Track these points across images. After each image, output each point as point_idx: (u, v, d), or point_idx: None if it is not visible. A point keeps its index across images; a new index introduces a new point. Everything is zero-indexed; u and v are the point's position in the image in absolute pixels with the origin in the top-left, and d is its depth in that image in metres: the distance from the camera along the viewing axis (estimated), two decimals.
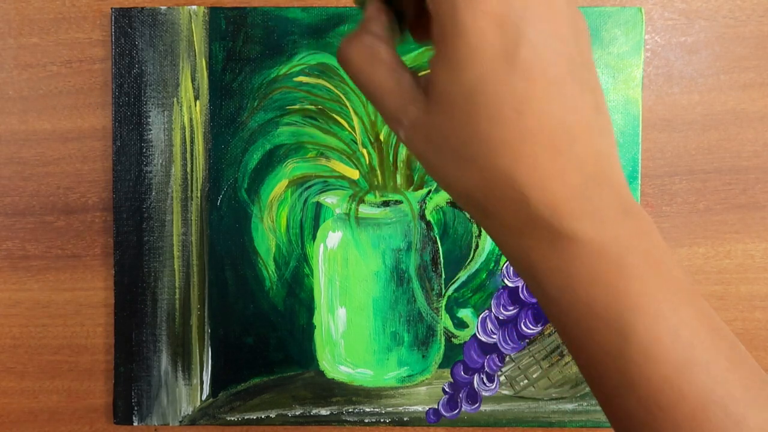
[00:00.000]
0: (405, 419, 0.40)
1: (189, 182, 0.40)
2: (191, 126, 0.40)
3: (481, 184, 0.22)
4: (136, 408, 0.40)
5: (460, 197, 0.23)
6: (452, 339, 0.40)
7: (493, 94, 0.21)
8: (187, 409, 0.40)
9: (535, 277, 0.22)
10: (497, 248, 0.40)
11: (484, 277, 0.40)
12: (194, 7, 0.39)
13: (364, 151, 0.40)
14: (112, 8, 0.39)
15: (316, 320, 0.40)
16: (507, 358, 0.41)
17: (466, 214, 0.40)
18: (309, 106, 0.40)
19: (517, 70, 0.21)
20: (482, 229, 0.23)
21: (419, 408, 0.40)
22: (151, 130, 0.39)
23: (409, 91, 0.24)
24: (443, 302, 0.40)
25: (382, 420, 0.40)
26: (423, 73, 0.25)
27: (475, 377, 0.40)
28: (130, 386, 0.40)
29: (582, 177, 0.21)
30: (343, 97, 0.39)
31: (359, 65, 0.25)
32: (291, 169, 0.40)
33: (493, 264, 0.40)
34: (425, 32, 0.28)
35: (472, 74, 0.21)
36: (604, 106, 0.23)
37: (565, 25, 0.22)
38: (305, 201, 0.40)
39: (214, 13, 0.39)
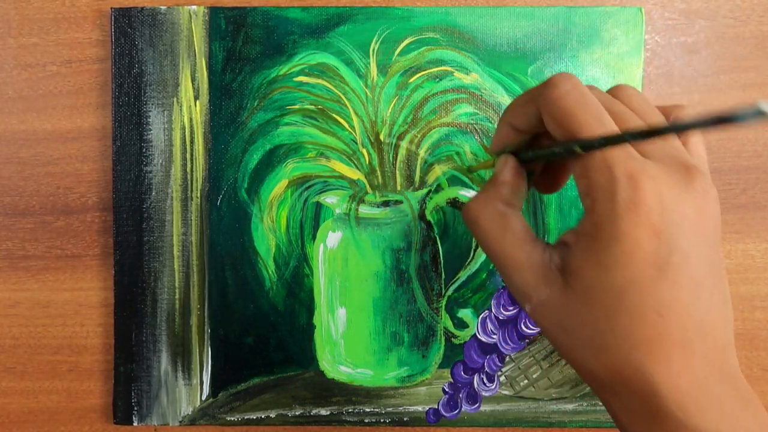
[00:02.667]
0: (405, 419, 0.40)
1: (189, 182, 0.40)
2: (191, 126, 0.40)
3: (611, 371, 0.22)
4: (136, 408, 0.40)
5: (586, 376, 0.24)
6: (452, 339, 0.40)
7: (639, 295, 0.22)
8: (187, 409, 0.40)
9: None
10: None
11: (484, 277, 0.40)
12: (194, 7, 0.39)
13: (364, 151, 0.40)
14: (111, 8, 0.39)
15: (316, 320, 0.40)
16: (507, 358, 0.41)
17: None
18: (309, 106, 0.40)
19: (666, 276, 0.21)
20: (603, 405, 0.24)
21: (419, 408, 0.40)
22: (151, 130, 0.39)
23: (541, 268, 0.24)
24: (443, 302, 0.40)
25: (382, 420, 0.40)
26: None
27: (475, 377, 0.40)
28: (130, 386, 0.40)
29: (709, 370, 0.22)
30: (343, 97, 0.39)
31: (489, 231, 0.25)
32: (291, 169, 0.40)
33: (493, 264, 0.40)
34: (547, 188, 0.28)
35: (622, 276, 0.22)
36: (728, 292, 0.23)
37: (711, 227, 0.23)
38: (305, 201, 0.40)
39: (214, 13, 0.39)
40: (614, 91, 0.26)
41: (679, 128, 0.20)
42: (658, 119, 0.25)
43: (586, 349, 0.23)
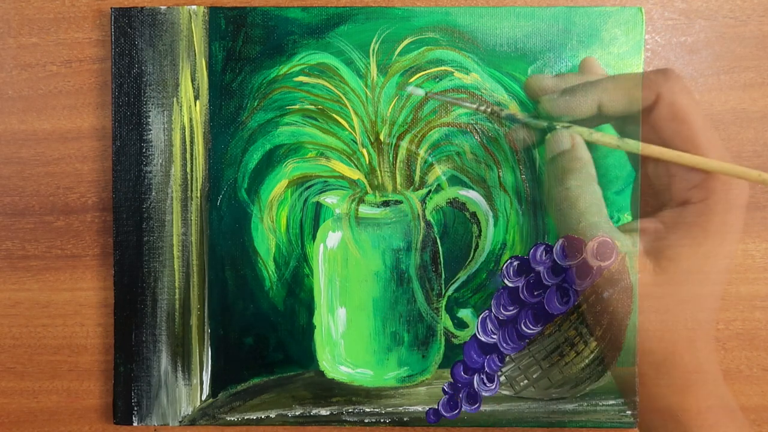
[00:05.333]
0: (405, 419, 0.40)
1: (189, 182, 0.40)
2: (191, 126, 0.40)
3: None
4: (135, 408, 0.40)
5: (648, 342, 0.34)
6: (452, 339, 0.40)
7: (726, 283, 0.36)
8: (186, 409, 0.40)
9: None
10: (497, 248, 0.40)
11: (484, 277, 0.40)
12: (194, 7, 0.39)
13: (364, 151, 0.40)
14: (111, 8, 0.39)
15: (316, 320, 0.40)
16: (507, 358, 0.40)
17: (466, 214, 0.40)
18: (309, 106, 0.40)
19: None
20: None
21: (419, 408, 0.40)
22: (150, 130, 0.39)
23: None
24: (443, 302, 0.40)
25: (382, 420, 0.40)
26: None
27: (475, 377, 0.40)
28: (130, 386, 0.40)
29: None
30: (343, 97, 0.39)
31: None
32: (291, 169, 0.40)
33: (493, 264, 0.40)
34: None
35: (718, 262, 0.33)
36: None
37: None
38: (305, 201, 0.40)
39: (214, 13, 0.39)
40: None
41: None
42: None
43: (667, 314, 0.30)
